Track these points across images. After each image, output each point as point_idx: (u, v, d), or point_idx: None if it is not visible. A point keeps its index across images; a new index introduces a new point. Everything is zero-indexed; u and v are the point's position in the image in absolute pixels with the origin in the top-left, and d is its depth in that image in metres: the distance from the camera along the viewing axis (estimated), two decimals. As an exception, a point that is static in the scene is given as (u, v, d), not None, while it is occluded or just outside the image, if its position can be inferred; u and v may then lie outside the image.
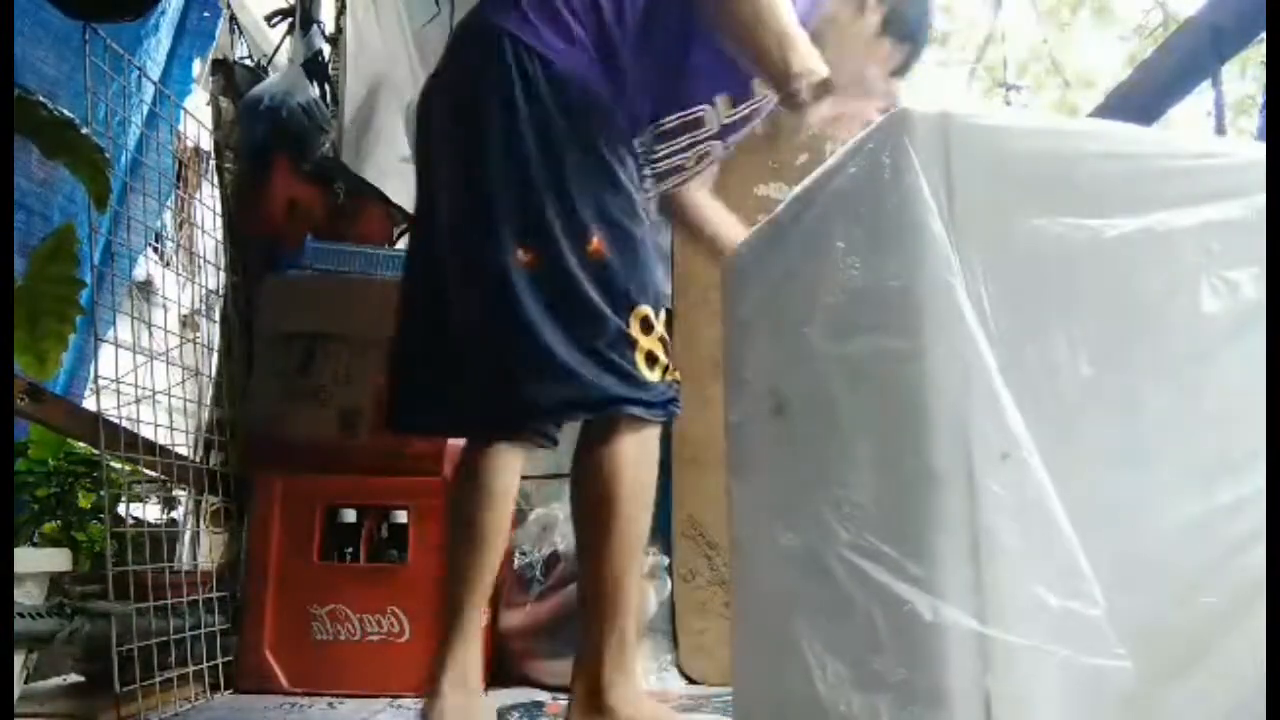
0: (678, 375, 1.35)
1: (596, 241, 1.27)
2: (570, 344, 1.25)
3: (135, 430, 1.79)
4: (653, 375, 1.29)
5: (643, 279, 1.31)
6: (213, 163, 2.35)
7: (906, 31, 1.44)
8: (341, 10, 2.73)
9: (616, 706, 1.30)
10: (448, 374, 1.36)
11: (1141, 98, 1.51)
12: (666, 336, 1.34)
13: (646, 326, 1.30)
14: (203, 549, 2.20)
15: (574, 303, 1.26)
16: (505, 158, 1.28)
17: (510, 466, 1.39)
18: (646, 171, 1.44)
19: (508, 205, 1.28)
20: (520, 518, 2.12)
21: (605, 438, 1.30)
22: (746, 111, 1.45)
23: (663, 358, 1.32)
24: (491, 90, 1.29)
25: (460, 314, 1.33)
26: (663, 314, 1.35)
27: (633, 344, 1.28)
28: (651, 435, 1.33)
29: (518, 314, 1.25)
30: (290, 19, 2.58)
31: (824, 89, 1.18)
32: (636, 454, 1.31)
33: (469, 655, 1.40)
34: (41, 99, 1.43)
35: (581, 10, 1.34)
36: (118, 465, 1.83)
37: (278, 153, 2.26)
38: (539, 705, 1.75)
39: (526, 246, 1.26)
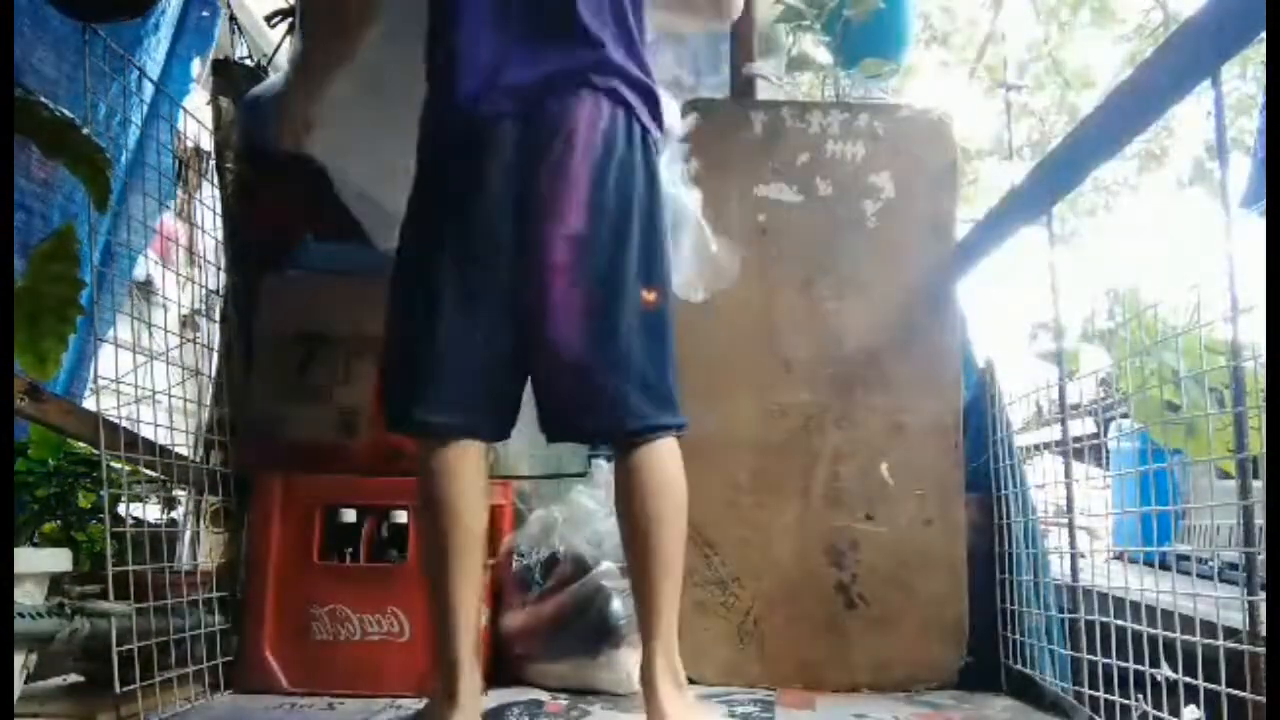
0: None
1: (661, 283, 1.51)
2: (667, 374, 1.50)
3: (135, 430, 1.79)
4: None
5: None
6: (213, 163, 2.35)
7: None
8: (341, 10, 2.72)
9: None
10: (503, 379, 1.50)
11: (1141, 98, 1.51)
12: None
13: None
14: (203, 549, 2.19)
15: (668, 338, 1.50)
16: (631, 212, 1.47)
17: (483, 462, 1.52)
18: None
19: (640, 251, 1.47)
20: (520, 519, 2.12)
21: (657, 457, 1.47)
22: None
23: None
24: (620, 154, 1.47)
25: (562, 333, 1.44)
26: None
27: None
28: (676, 448, 1.51)
29: (640, 344, 1.46)
30: (290, 19, 2.58)
31: None
32: (675, 469, 1.49)
33: (466, 657, 1.43)
34: (41, 99, 1.43)
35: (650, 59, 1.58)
36: (118, 465, 1.83)
37: (278, 153, 2.25)
38: (539, 704, 1.75)
39: (650, 288, 1.47)
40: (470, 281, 1.46)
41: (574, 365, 1.44)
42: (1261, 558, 1.24)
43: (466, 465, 1.47)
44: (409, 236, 1.54)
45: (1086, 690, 1.62)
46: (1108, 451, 2.70)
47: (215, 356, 2.19)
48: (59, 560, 1.65)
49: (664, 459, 1.48)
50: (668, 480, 1.48)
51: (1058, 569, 1.89)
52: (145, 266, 2.57)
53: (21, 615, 1.43)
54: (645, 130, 1.52)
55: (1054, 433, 1.95)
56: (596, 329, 1.43)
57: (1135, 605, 1.52)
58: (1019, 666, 1.91)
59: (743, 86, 2.48)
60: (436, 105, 1.54)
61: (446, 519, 1.45)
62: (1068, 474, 1.83)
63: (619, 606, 1.86)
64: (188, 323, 2.26)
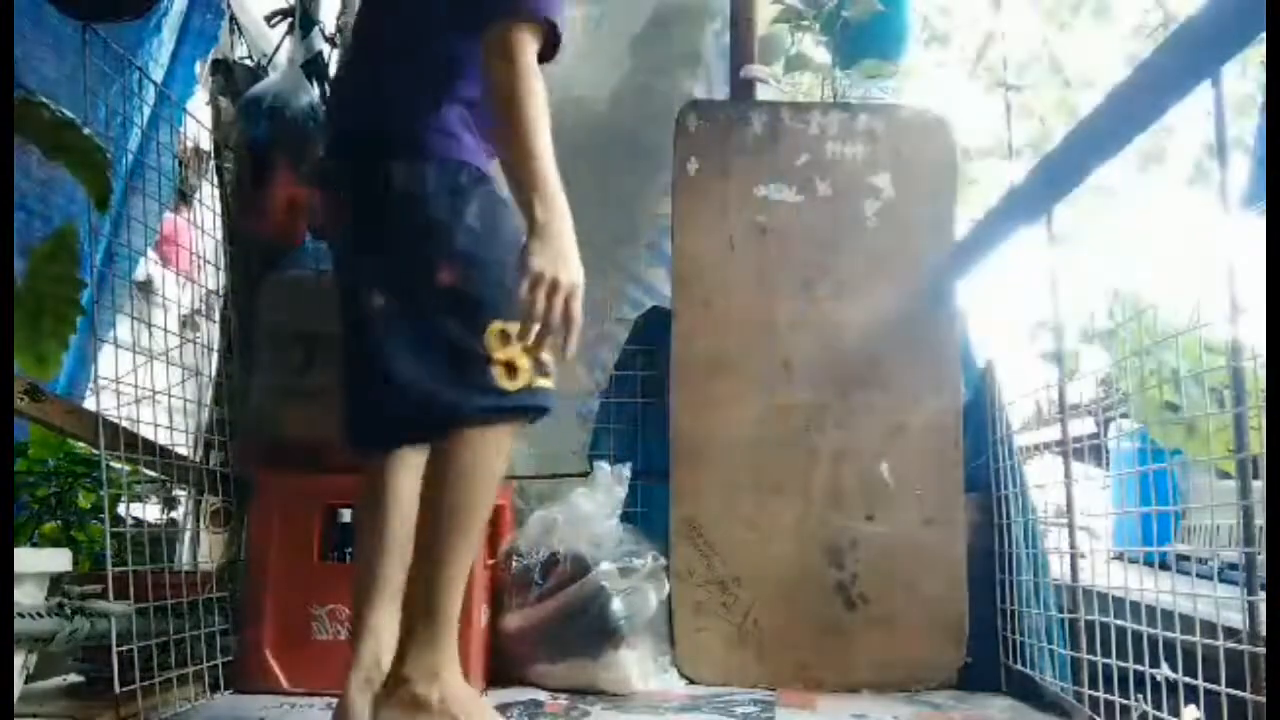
0: (545, 382, 1.41)
1: (445, 275, 1.41)
2: (417, 368, 1.40)
3: (135, 430, 1.79)
4: (512, 384, 1.39)
5: (499, 297, 1.40)
6: (213, 163, 2.35)
7: None
8: (342, 10, 2.73)
9: (423, 695, 1.35)
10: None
11: (1141, 98, 1.51)
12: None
13: (504, 339, 1.39)
14: (203, 549, 2.20)
15: (424, 331, 1.41)
16: (365, 220, 1.47)
17: (409, 469, 1.54)
18: None
19: (368, 259, 1.48)
20: (520, 520, 2.12)
21: (448, 444, 1.40)
22: None
23: (525, 365, 1.39)
24: (425, 195, 1.44)
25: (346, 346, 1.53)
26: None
27: (486, 358, 1.38)
28: (493, 438, 1.41)
29: (375, 348, 1.42)
30: (290, 19, 2.58)
31: None
32: (472, 460, 1.39)
33: (372, 655, 1.49)
34: (42, 99, 1.43)
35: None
36: (118, 465, 1.83)
37: (278, 153, 2.25)
38: (538, 704, 1.75)
39: (382, 292, 1.43)
40: (345, 311, 1.54)
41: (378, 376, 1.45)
42: (1261, 558, 1.24)
43: (398, 470, 1.56)
44: None
45: (1086, 690, 1.62)
46: (1108, 451, 2.70)
47: (215, 356, 2.20)
48: (59, 560, 1.65)
49: (463, 449, 1.41)
50: (462, 472, 1.40)
51: (1058, 569, 1.89)
52: (145, 267, 2.57)
53: (21, 615, 1.43)
54: (460, 166, 1.48)
55: (1054, 433, 1.95)
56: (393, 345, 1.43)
57: (1135, 605, 1.52)
58: (1019, 666, 1.91)
59: (742, 88, 2.48)
60: None
61: (380, 519, 1.56)
62: (1067, 474, 1.83)
63: (619, 607, 1.86)
64: (188, 323, 2.26)
